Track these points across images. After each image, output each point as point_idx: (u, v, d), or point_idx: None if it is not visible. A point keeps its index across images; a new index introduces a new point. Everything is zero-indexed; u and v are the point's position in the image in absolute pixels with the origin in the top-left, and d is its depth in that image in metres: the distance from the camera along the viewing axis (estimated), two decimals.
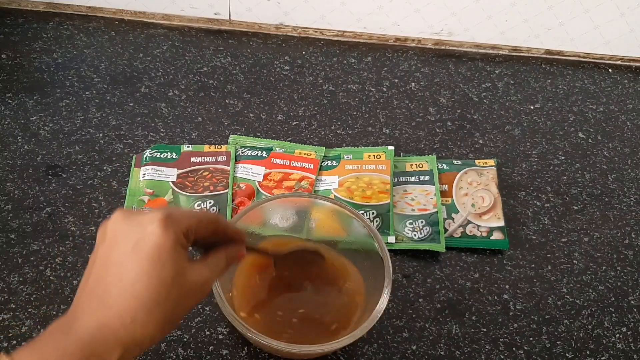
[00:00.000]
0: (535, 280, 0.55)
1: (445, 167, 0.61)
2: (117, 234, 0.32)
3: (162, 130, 0.64)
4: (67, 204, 0.56)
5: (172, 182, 0.57)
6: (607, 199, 0.62)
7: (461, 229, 0.57)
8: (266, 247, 0.47)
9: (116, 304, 0.30)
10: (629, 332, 0.52)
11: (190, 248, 0.35)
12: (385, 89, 0.71)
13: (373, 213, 0.56)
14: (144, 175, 0.58)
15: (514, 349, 0.50)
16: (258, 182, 0.58)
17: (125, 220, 0.32)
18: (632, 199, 0.62)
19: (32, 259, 0.52)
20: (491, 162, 0.62)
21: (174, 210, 0.33)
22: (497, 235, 0.56)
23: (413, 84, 0.72)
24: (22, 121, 0.63)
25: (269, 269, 0.49)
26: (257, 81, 0.70)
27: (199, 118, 0.65)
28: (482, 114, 0.69)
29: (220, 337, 0.48)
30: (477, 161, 0.62)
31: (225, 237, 0.37)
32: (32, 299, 0.49)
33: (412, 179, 0.60)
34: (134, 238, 0.31)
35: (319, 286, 0.49)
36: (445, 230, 0.56)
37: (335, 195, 0.57)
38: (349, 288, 0.49)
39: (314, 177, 0.59)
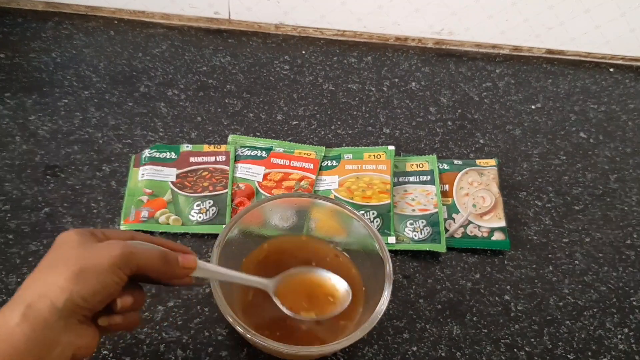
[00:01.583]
0: (536, 280, 0.54)
1: (445, 167, 0.61)
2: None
3: (161, 130, 0.63)
4: (65, 204, 0.56)
5: (172, 182, 0.57)
6: (608, 199, 0.62)
7: (462, 229, 0.56)
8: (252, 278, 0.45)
9: (25, 281, 0.34)
10: (630, 333, 0.51)
11: None
12: (385, 89, 0.71)
13: (373, 213, 0.56)
14: (143, 175, 0.57)
15: (515, 350, 0.49)
16: (258, 182, 0.58)
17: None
18: (633, 199, 0.62)
19: (30, 259, 0.51)
20: (492, 162, 0.62)
21: None
22: (498, 236, 0.56)
23: (413, 83, 0.72)
24: (21, 121, 0.62)
25: (270, 270, 0.49)
26: (257, 81, 0.70)
27: (199, 118, 0.65)
28: (483, 114, 0.69)
29: (220, 338, 0.48)
30: (478, 161, 0.62)
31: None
32: None
33: (413, 179, 0.60)
34: (49, 250, 0.36)
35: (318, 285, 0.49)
36: (446, 230, 0.56)
37: (335, 195, 0.57)
38: (347, 284, 0.49)
39: (314, 177, 0.59)
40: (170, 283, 0.39)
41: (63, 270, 0.33)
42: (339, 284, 0.47)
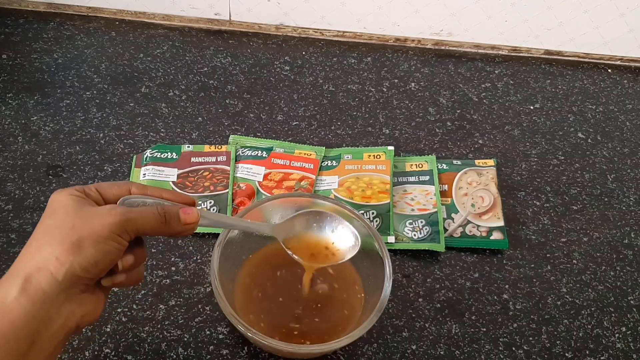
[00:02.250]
0: (534, 280, 0.55)
1: (445, 167, 0.61)
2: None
3: (162, 130, 0.64)
4: None
5: (173, 182, 0.57)
6: (606, 199, 0.62)
7: (461, 229, 0.57)
8: (249, 224, 0.44)
9: (22, 252, 0.33)
10: (628, 332, 0.52)
11: None
12: (385, 89, 0.71)
13: (373, 213, 0.56)
14: (144, 175, 0.58)
15: (513, 348, 0.50)
16: (258, 182, 0.58)
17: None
18: (631, 199, 0.63)
19: None
20: (491, 162, 0.62)
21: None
22: (496, 235, 0.56)
23: (413, 84, 0.72)
24: (23, 121, 0.63)
25: (270, 269, 0.50)
26: (257, 81, 0.70)
27: (199, 118, 0.65)
28: (482, 114, 0.69)
29: (221, 336, 0.49)
30: (476, 161, 0.62)
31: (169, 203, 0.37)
32: None
33: (412, 179, 0.60)
34: (43, 215, 0.34)
35: (318, 285, 0.49)
36: (445, 230, 0.56)
37: (335, 195, 0.57)
38: (347, 284, 0.49)
39: (314, 177, 0.59)
40: (171, 236, 0.37)
41: (60, 240, 0.32)
42: (345, 237, 0.46)
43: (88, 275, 0.32)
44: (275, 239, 0.45)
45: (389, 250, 0.47)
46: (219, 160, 0.60)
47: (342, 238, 0.46)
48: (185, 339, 0.48)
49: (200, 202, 0.56)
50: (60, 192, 0.34)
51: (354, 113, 0.68)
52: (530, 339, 0.51)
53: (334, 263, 0.45)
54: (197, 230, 0.54)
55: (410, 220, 0.56)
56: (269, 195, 0.57)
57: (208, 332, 0.49)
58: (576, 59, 0.77)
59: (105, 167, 0.59)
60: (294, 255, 0.44)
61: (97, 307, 0.34)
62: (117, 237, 0.33)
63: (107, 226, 0.33)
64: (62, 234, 0.32)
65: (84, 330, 0.47)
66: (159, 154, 0.59)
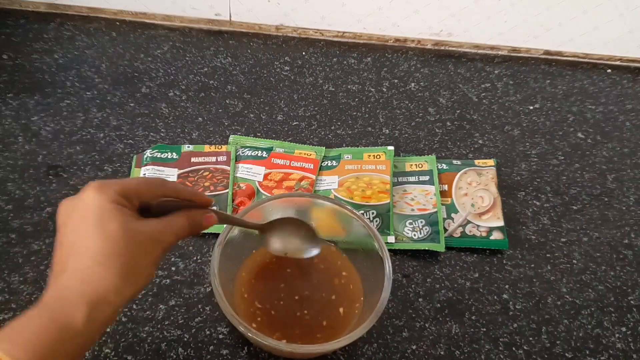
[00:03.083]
0: (534, 280, 0.55)
1: (444, 167, 0.61)
2: (64, 215, 0.34)
3: (162, 130, 0.64)
4: None
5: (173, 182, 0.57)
6: (606, 199, 0.62)
7: (461, 229, 0.57)
8: (247, 221, 0.47)
9: (72, 267, 0.32)
10: (628, 332, 0.52)
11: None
12: (385, 89, 0.71)
13: (373, 213, 0.56)
14: (144, 175, 0.58)
15: (513, 348, 0.50)
16: (258, 182, 0.58)
17: (69, 201, 0.35)
18: (631, 198, 0.63)
19: (32, 259, 0.52)
20: (491, 162, 0.62)
21: (107, 180, 0.36)
22: (496, 235, 0.56)
23: (413, 84, 0.72)
24: (23, 121, 0.63)
25: (270, 270, 0.50)
26: (258, 81, 0.70)
27: (200, 118, 0.65)
28: (482, 114, 0.69)
29: (221, 336, 0.49)
30: (476, 161, 0.62)
31: (187, 203, 0.39)
32: (32, 299, 0.49)
33: (412, 179, 0.60)
34: (78, 209, 0.34)
35: (318, 285, 0.49)
36: (445, 230, 0.56)
37: (335, 195, 0.57)
38: (346, 283, 0.49)
39: (314, 177, 0.59)
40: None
41: (121, 272, 0.32)
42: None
43: (134, 298, 0.35)
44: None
45: (389, 250, 0.47)
46: (219, 160, 0.60)
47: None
48: (185, 339, 0.48)
49: None
50: (101, 193, 0.33)
51: (354, 113, 0.68)
52: (531, 339, 0.51)
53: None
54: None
55: (410, 220, 0.56)
56: (269, 195, 0.57)
57: (208, 332, 0.49)
58: (576, 59, 0.77)
59: (105, 167, 0.60)
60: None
61: (116, 318, 0.37)
62: (159, 261, 0.35)
63: (158, 253, 0.35)
64: (122, 264, 0.33)
65: None
66: (159, 154, 0.60)
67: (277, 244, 0.47)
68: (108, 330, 0.48)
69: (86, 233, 0.33)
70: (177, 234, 0.36)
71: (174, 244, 0.36)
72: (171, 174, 0.58)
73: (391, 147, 0.62)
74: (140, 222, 0.34)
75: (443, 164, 0.62)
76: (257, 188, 0.58)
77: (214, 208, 0.42)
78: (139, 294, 0.35)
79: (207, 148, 0.61)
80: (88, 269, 0.32)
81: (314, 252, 0.48)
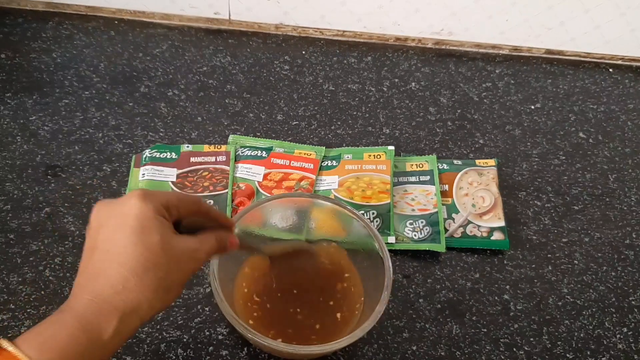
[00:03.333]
0: (535, 280, 0.54)
1: (445, 167, 0.61)
2: (101, 219, 0.33)
3: (161, 130, 0.63)
4: (66, 204, 0.56)
5: (172, 182, 0.57)
6: (607, 199, 0.62)
7: (461, 229, 0.56)
8: (261, 246, 0.47)
9: (107, 275, 0.31)
10: (629, 333, 0.51)
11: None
12: (385, 89, 0.71)
13: (373, 213, 0.56)
14: (143, 175, 0.57)
15: (514, 349, 0.50)
16: (258, 182, 0.58)
17: (105, 205, 0.34)
18: (632, 199, 0.62)
19: (31, 259, 0.52)
20: (492, 162, 0.62)
21: (149, 189, 0.35)
22: (497, 236, 0.56)
23: (413, 83, 0.72)
24: (22, 121, 0.63)
25: (268, 273, 0.49)
26: (257, 81, 0.70)
27: (199, 118, 0.65)
28: (483, 114, 0.69)
29: (220, 337, 0.48)
30: (477, 161, 0.62)
31: (212, 223, 0.39)
32: (31, 299, 0.49)
33: (413, 179, 0.60)
34: (117, 215, 0.32)
35: (317, 287, 0.49)
36: (446, 230, 0.56)
37: (335, 195, 0.57)
38: (348, 287, 0.49)
39: (314, 177, 0.59)
40: None
41: (155, 286, 0.32)
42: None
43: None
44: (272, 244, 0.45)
45: (389, 251, 0.47)
46: (218, 160, 0.59)
47: None
48: (185, 340, 0.48)
49: None
50: (145, 202, 0.33)
51: (354, 113, 0.68)
52: (531, 339, 0.50)
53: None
54: None
55: (411, 221, 0.56)
56: (269, 195, 0.56)
57: (207, 333, 0.48)
58: (577, 58, 0.77)
59: (104, 167, 0.59)
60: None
61: None
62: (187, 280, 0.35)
63: (191, 272, 0.35)
64: (158, 279, 0.32)
65: None
66: (158, 153, 0.59)
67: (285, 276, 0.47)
68: None
69: (125, 241, 0.32)
70: (208, 253, 0.36)
71: (205, 262, 0.36)
72: (170, 174, 0.58)
73: (391, 147, 0.62)
74: (177, 237, 0.34)
75: (444, 164, 0.61)
76: (257, 188, 0.58)
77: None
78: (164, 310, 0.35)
79: (206, 148, 0.61)
80: (124, 280, 0.31)
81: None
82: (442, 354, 0.49)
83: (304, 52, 0.74)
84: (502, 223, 0.57)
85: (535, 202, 0.61)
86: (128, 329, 0.31)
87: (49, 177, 0.58)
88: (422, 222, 0.56)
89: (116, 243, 0.32)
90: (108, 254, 0.32)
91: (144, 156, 0.59)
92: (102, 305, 0.31)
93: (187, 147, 0.61)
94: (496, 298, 0.53)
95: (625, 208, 0.61)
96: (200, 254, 0.35)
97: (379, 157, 0.61)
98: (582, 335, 0.51)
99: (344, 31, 0.76)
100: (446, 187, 0.60)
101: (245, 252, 0.48)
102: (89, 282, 0.32)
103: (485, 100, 0.71)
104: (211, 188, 0.57)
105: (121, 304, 0.31)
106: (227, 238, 0.39)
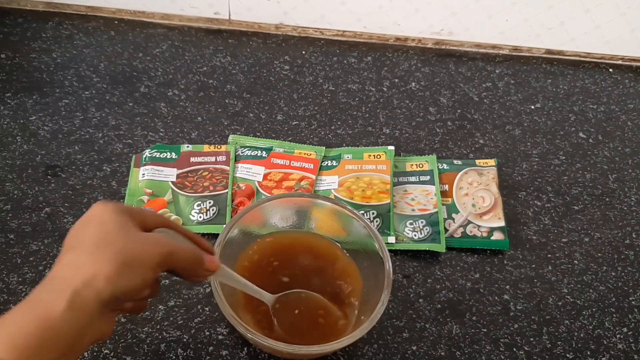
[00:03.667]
0: (535, 280, 0.54)
1: (445, 167, 0.61)
2: (72, 230, 0.35)
3: (161, 130, 0.63)
4: (66, 204, 0.56)
5: (172, 182, 0.57)
6: (607, 199, 0.62)
7: (461, 229, 0.56)
8: (256, 289, 0.45)
9: (63, 259, 0.33)
10: (629, 333, 0.51)
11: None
12: (385, 89, 0.71)
13: (373, 213, 0.56)
14: (143, 175, 0.57)
15: (514, 349, 0.50)
16: (258, 182, 0.58)
17: (78, 221, 0.35)
18: (632, 199, 0.62)
19: (31, 259, 0.52)
20: (492, 162, 0.62)
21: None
22: (497, 236, 0.56)
23: (413, 83, 0.72)
24: (22, 121, 0.63)
25: (272, 270, 0.49)
26: (257, 81, 0.70)
27: (199, 118, 0.65)
28: (483, 114, 0.69)
29: (220, 337, 0.48)
30: (477, 161, 0.62)
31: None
32: None
33: (413, 179, 0.60)
34: (80, 222, 0.34)
35: (317, 287, 0.49)
36: (446, 230, 0.56)
37: (335, 195, 0.57)
38: (348, 287, 0.49)
39: (314, 177, 0.59)
40: (186, 279, 0.38)
41: (111, 258, 0.32)
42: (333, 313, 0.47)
43: (124, 298, 0.33)
44: (274, 239, 0.43)
45: (389, 251, 0.47)
46: (218, 160, 0.59)
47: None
48: (185, 340, 0.48)
49: (199, 202, 0.56)
50: (107, 204, 0.35)
51: (354, 113, 0.68)
52: (531, 339, 0.50)
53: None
54: (198, 231, 0.54)
55: (411, 221, 0.56)
56: (269, 195, 0.56)
57: (207, 333, 0.48)
58: (577, 58, 0.77)
59: (104, 167, 0.59)
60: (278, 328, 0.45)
61: (111, 327, 0.35)
62: (157, 268, 0.34)
63: (156, 255, 0.34)
64: (113, 252, 0.32)
65: None
66: (158, 153, 0.59)
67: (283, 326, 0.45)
68: None
69: (85, 231, 0.33)
70: (180, 249, 0.36)
71: (173, 258, 0.35)
72: (170, 174, 0.58)
73: (391, 147, 0.62)
74: (141, 231, 0.35)
75: (444, 164, 0.61)
76: (257, 188, 0.58)
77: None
78: (137, 293, 0.33)
79: (206, 148, 0.61)
80: (78, 258, 0.32)
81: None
82: (442, 353, 0.49)
83: (304, 52, 0.74)
84: (502, 223, 0.57)
85: (535, 202, 0.61)
86: (84, 302, 0.31)
87: (49, 177, 0.58)
88: (422, 222, 0.56)
89: (78, 236, 0.33)
90: (70, 247, 0.33)
91: (144, 156, 0.59)
92: (54, 283, 0.31)
93: (187, 147, 0.61)
94: (496, 298, 0.53)
95: (625, 208, 0.61)
96: (167, 242, 0.35)
97: (379, 157, 0.61)
98: (582, 335, 0.51)
99: (344, 31, 0.76)
100: (446, 187, 0.60)
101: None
102: (51, 273, 0.32)
103: (485, 100, 0.71)
104: (211, 188, 0.57)
105: (73, 278, 0.31)
106: (204, 254, 0.38)
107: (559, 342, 0.50)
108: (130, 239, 0.33)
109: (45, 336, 0.29)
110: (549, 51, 0.77)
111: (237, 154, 0.61)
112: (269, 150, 0.61)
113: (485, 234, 0.56)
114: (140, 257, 0.33)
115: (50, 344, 0.30)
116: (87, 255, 0.32)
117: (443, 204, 0.58)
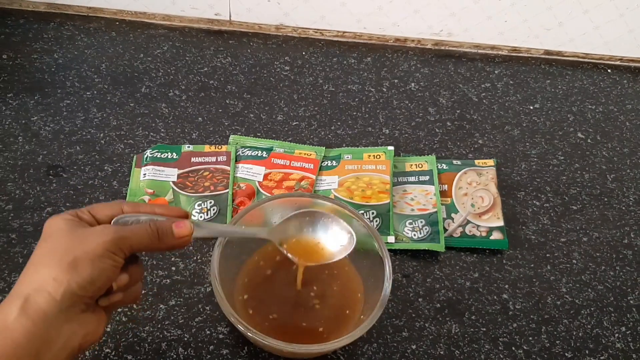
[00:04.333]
0: (534, 280, 0.55)
1: (444, 167, 0.61)
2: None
3: (162, 130, 0.64)
4: (68, 204, 0.56)
5: (173, 182, 0.58)
6: (606, 199, 0.62)
7: (461, 229, 0.57)
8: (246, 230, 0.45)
9: (21, 276, 0.33)
10: (627, 332, 0.52)
11: None
12: (385, 89, 0.71)
13: (373, 213, 0.56)
14: (144, 175, 0.58)
15: (513, 348, 0.50)
16: (258, 182, 0.58)
17: None
18: (631, 198, 0.63)
19: None
20: (490, 162, 0.62)
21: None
22: (496, 235, 0.56)
23: (413, 84, 0.72)
24: (23, 121, 0.63)
25: (272, 270, 0.50)
26: (257, 81, 0.70)
27: (200, 118, 0.66)
28: (482, 114, 0.69)
29: (221, 336, 0.49)
30: (476, 161, 0.62)
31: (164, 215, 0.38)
32: None
33: (412, 179, 0.60)
34: (39, 240, 0.35)
35: (319, 285, 0.49)
36: (445, 230, 0.56)
37: (335, 195, 0.57)
38: (347, 286, 0.49)
39: (314, 177, 0.59)
40: (164, 251, 0.38)
41: (57, 261, 0.32)
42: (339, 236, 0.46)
43: (86, 294, 0.33)
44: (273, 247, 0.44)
45: (389, 250, 0.47)
46: (219, 160, 0.60)
47: (336, 237, 0.47)
48: (186, 339, 0.48)
49: (200, 202, 0.56)
50: (54, 217, 0.35)
51: (354, 113, 0.68)
52: (530, 338, 0.51)
53: (328, 261, 0.46)
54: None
55: (410, 220, 0.56)
56: (269, 195, 0.57)
57: (208, 332, 0.49)
58: (576, 59, 0.77)
59: (105, 167, 0.60)
60: (288, 254, 0.45)
61: (98, 326, 0.35)
62: (112, 255, 0.34)
63: (102, 244, 0.33)
64: (58, 256, 0.33)
65: None
66: (159, 154, 0.60)
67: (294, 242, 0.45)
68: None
69: (37, 248, 0.34)
70: (133, 232, 0.35)
71: (125, 239, 0.35)
72: (171, 174, 0.58)
73: (391, 147, 0.62)
74: (85, 226, 0.35)
75: (443, 164, 0.62)
76: (257, 188, 0.58)
77: (198, 218, 0.40)
78: (102, 283, 0.33)
79: (207, 148, 0.61)
80: (27, 272, 0.33)
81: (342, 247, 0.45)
82: (442, 352, 0.49)
83: (304, 53, 0.75)
84: (501, 223, 0.57)
85: (534, 202, 0.61)
86: (37, 306, 0.31)
87: (50, 177, 0.58)
88: (421, 222, 0.56)
89: (31, 257, 0.34)
90: (25, 268, 0.34)
91: (145, 156, 0.59)
92: (9, 297, 0.32)
93: (188, 147, 0.61)
94: (495, 297, 0.53)
95: (623, 208, 0.62)
96: (113, 228, 0.35)
97: (378, 157, 0.61)
98: (580, 334, 0.51)
99: (343, 32, 0.76)
100: (445, 187, 0.60)
101: (244, 249, 0.47)
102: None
103: (484, 101, 0.71)
104: (212, 188, 0.57)
105: (24, 288, 0.32)
106: (170, 223, 0.37)
107: (557, 341, 0.51)
108: (73, 239, 0.33)
109: (1, 344, 0.30)
110: (547, 52, 0.77)
111: (237, 154, 0.61)
112: (269, 150, 0.61)
113: (484, 234, 0.57)
114: (87, 249, 0.33)
115: (9, 351, 0.30)
116: (34, 266, 0.33)
117: (442, 204, 0.58)
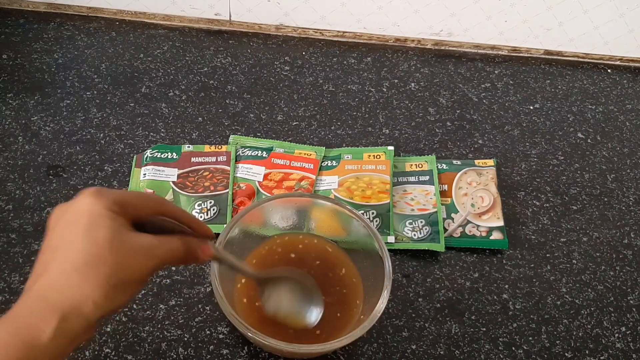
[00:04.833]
0: (534, 280, 0.55)
1: (444, 167, 0.61)
2: (55, 220, 0.32)
3: (162, 130, 0.64)
4: None
5: (173, 182, 0.58)
6: (606, 199, 0.62)
7: (461, 229, 0.57)
8: (247, 269, 0.44)
9: (49, 272, 0.30)
10: (627, 332, 0.52)
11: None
12: (385, 89, 0.71)
13: (373, 213, 0.56)
14: (144, 175, 0.58)
15: (513, 348, 0.50)
16: (258, 182, 0.58)
17: (60, 206, 0.33)
18: (631, 198, 0.63)
19: (33, 259, 0.52)
20: (490, 162, 0.62)
21: (104, 187, 0.33)
22: (496, 235, 0.56)
23: (413, 84, 0.72)
24: (23, 121, 0.63)
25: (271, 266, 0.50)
26: (258, 81, 0.70)
27: (200, 118, 0.66)
28: (482, 114, 0.69)
29: (221, 336, 0.49)
30: (476, 161, 0.62)
31: (184, 229, 0.37)
32: None
33: (412, 179, 0.60)
34: (68, 213, 0.31)
35: (319, 285, 0.49)
36: (445, 230, 0.57)
37: (335, 195, 0.57)
38: (347, 286, 0.49)
39: (314, 177, 0.59)
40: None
41: (101, 281, 0.30)
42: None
43: (112, 315, 0.32)
44: (273, 239, 0.43)
45: (389, 250, 0.47)
46: (219, 160, 0.60)
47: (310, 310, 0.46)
48: (186, 339, 0.48)
49: (200, 202, 0.56)
50: (97, 198, 0.31)
51: (354, 113, 0.68)
52: (530, 338, 0.51)
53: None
54: None
55: (410, 220, 0.56)
56: (269, 195, 0.57)
57: (208, 332, 0.49)
58: (576, 59, 0.77)
59: (105, 167, 0.60)
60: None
61: (93, 331, 0.33)
62: (148, 278, 0.33)
63: (147, 270, 0.32)
64: (104, 275, 0.30)
65: None
66: (159, 154, 0.60)
67: (272, 303, 0.44)
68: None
69: (72, 237, 0.30)
70: (170, 254, 0.34)
71: (164, 264, 0.33)
72: (171, 174, 0.58)
73: (391, 147, 0.62)
74: (132, 233, 0.32)
75: (443, 164, 0.62)
76: (257, 188, 0.58)
77: (214, 243, 0.39)
78: (119, 310, 0.32)
79: (207, 148, 0.61)
80: (65, 276, 0.30)
81: (312, 317, 0.45)
82: (441, 352, 0.49)
83: (304, 53, 0.75)
84: (501, 223, 0.57)
85: (534, 202, 0.61)
86: (72, 330, 0.29)
87: (50, 177, 0.58)
88: (421, 222, 0.56)
89: (64, 239, 0.31)
90: (55, 251, 0.31)
91: (145, 156, 0.59)
92: (40, 304, 0.29)
93: (188, 147, 0.61)
94: (495, 297, 0.53)
95: (623, 208, 0.62)
96: (159, 251, 0.33)
97: (378, 157, 0.61)
98: (580, 334, 0.51)
99: (343, 32, 0.76)
100: (445, 187, 0.60)
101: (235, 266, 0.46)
102: (33, 283, 0.30)
103: (484, 101, 0.71)
104: (212, 188, 0.57)
105: (60, 302, 0.29)
106: (198, 244, 0.36)
107: (557, 341, 0.51)
108: (121, 254, 0.31)
109: None
110: (547, 52, 0.77)
111: (237, 154, 0.61)
112: (269, 150, 0.61)
113: (484, 234, 0.57)
114: (132, 276, 0.31)
115: None
116: (76, 275, 0.30)
117: (442, 204, 0.58)
